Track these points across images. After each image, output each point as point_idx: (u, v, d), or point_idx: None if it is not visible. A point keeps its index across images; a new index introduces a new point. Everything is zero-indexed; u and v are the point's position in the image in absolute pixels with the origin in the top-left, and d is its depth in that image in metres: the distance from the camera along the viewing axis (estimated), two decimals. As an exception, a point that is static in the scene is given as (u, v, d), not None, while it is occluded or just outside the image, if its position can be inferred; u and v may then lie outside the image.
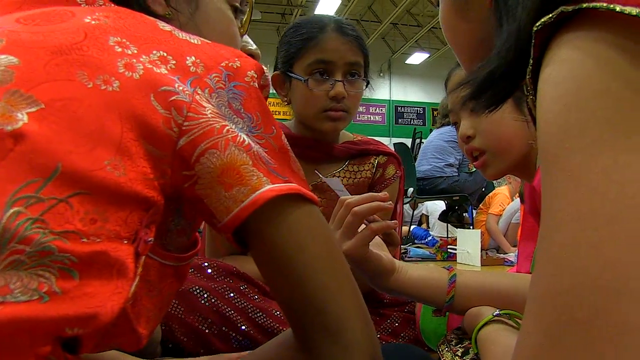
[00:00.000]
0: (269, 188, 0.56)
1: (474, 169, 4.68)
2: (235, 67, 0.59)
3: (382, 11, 12.59)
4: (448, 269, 0.92)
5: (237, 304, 1.15)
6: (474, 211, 5.21)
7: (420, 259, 4.41)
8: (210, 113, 0.55)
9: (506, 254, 4.69)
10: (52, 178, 0.46)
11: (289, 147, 0.62)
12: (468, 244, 4.34)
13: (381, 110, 14.86)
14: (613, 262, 0.37)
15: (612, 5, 0.39)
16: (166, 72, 0.55)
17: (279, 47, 1.48)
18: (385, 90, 15.00)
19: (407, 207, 5.76)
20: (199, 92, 0.55)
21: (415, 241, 5.31)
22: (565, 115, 0.41)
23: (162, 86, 0.53)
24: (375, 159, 1.51)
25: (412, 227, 5.67)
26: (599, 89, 0.40)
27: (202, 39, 0.61)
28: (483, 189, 5.08)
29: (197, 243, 0.65)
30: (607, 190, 0.38)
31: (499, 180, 6.25)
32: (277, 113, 8.92)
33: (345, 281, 0.61)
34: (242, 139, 0.56)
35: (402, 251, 4.51)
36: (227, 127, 0.56)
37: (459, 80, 1.24)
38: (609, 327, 0.36)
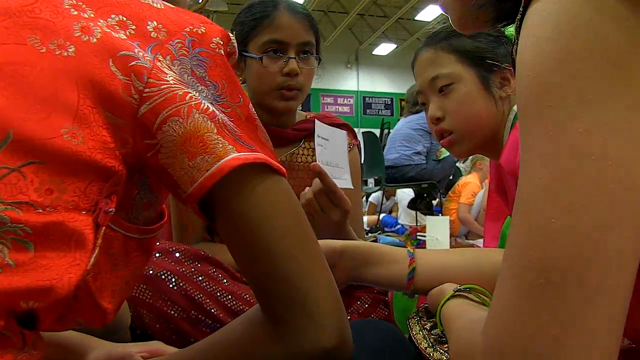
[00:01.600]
0: (234, 156, 0.55)
1: (442, 157, 4.71)
2: (200, 32, 0.57)
3: (349, 2, 12.56)
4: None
5: (206, 288, 1.14)
6: (443, 198, 5.24)
7: (390, 247, 4.41)
8: (173, 80, 0.53)
9: (475, 240, 4.74)
10: (2, 146, 0.45)
11: (257, 117, 0.61)
12: (437, 231, 4.37)
13: (349, 101, 14.87)
14: (591, 225, 0.37)
15: None
16: (125, 37, 0.53)
17: (232, 29, 1.49)
18: (353, 81, 15.00)
19: (378, 194, 5.78)
20: (160, 58, 0.54)
21: (385, 229, 5.32)
22: (550, 66, 0.39)
23: (121, 51, 0.52)
24: None
25: (382, 215, 5.70)
26: (592, 36, 0.38)
27: (165, 3, 0.59)
28: (451, 177, 5.12)
29: (163, 215, 0.63)
30: (588, 150, 0.37)
31: (466, 168, 6.30)
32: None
33: (312, 253, 0.60)
34: (206, 106, 0.55)
35: (372, 239, 4.52)
36: (190, 94, 0.54)
37: (426, 60, 1.23)
38: (586, 291, 0.37)
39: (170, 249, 1.18)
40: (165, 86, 0.53)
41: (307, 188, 1.20)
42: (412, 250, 0.89)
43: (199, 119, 0.54)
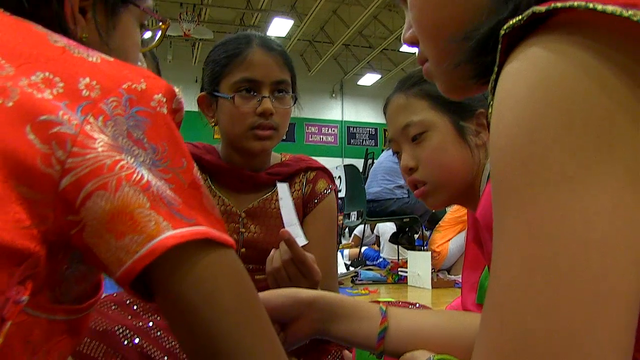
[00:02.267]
0: (169, 235, 0.48)
1: (424, 191, 4.67)
2: (139, 89, 0.51)
3: (334, 32, 12.66)
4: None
5: (164, 344, 1.07)
6: (427, 232, 5.20)
7: (371, 282, 4.37)
8: (102, 146, 0.47)
9: (457, 275, 4.69)
10: None
11: (202, 182, 0.55)
12: (419, 266, 4.33)
13: (333, 131, 14.89)
14: (562, 327, 0.33)
15: (592, 4, 0.34)
16: (50, 97, 0.47)
17: (204, 67, 1.41)
18: (338, 110, 15.05)
19: (362, 227, 5.73)
20: (91, 120, 0.48)
21: (367, 262, 5.27)
22: (526, 134, 0.35)
23: (42, 115, 0.45)
24: (304, 175, 1.44)
25: (364, 248, 5.64)
26: (572, 101, 0.34)
27: (103, 55, 0.53)
28: (433, 210, 5.08)
29: (99, 288, 0.57)
30: (568, 237, 0.33)
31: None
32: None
33: (261, 334, 0.54)
34: (139, 176, 0.49)
35: (353, 275, 4.46)
36: (122, 163, 0.48)
37: (397, 107, 1.17)
38: None
39: (127, 302, 1.11)
40: (91, 155, 0.46)
41: (274, 250, 1.11)
42: (384, 308, 0.83)
43: (129, 192, 0.47)
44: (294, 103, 1.40)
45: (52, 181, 0.45)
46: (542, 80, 0.35)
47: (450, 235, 4.91)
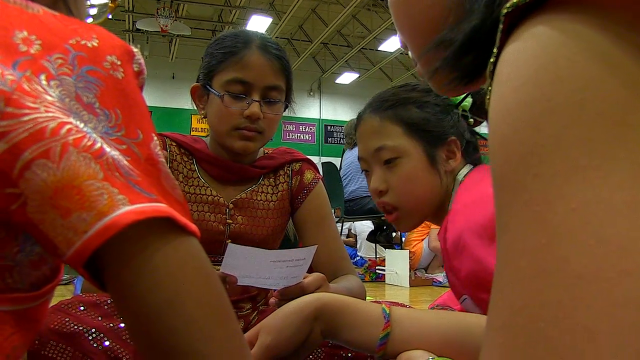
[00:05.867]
0: (126, 210, 0.41)
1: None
2: (90, 46, 0.45)
3: (312, 31, 12.63)
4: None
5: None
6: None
7: (348, 281, 4.34)
8: (45, 106, 0.41)
9: (435, 274, 4.70)
10: None
11: (162, 159, 0.48)
12: (397, 264, 4.32)
13: (311, 129, 14.88)
14: (575, 331, 0.29)
15: None
16: None
17: (203, 57, 1.38)
18: (315, 109, 15.03)
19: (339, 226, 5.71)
20: (32, 77, 0.41)
21: (344, 261, 5.23)
22: (532, 121, 0.31)
23: None
24: (289, 167, 1.43)
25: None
26: (584, 85, 0.30)
27: (46, 8, 0.46)
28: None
29: (58, 271, 0.50)
30: (582, 234, 0.29)
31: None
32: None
33: (227, 335, 0.48)
34: (90, 141, 0.42)
35: (331, 273, 4.43)
36: (69, 126, 0.41)
37: (370, 129, 1.16)
38: None
39: (98, 301, 1.06)
40: (31, 116, 0.40)
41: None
42: (387, 310, 0.82)
43: (77, 160, 0.41)
44: (285, 110, 1.37)
45: None
46: (550, 63, 0.31)
47: (423, 235, 4.92)
